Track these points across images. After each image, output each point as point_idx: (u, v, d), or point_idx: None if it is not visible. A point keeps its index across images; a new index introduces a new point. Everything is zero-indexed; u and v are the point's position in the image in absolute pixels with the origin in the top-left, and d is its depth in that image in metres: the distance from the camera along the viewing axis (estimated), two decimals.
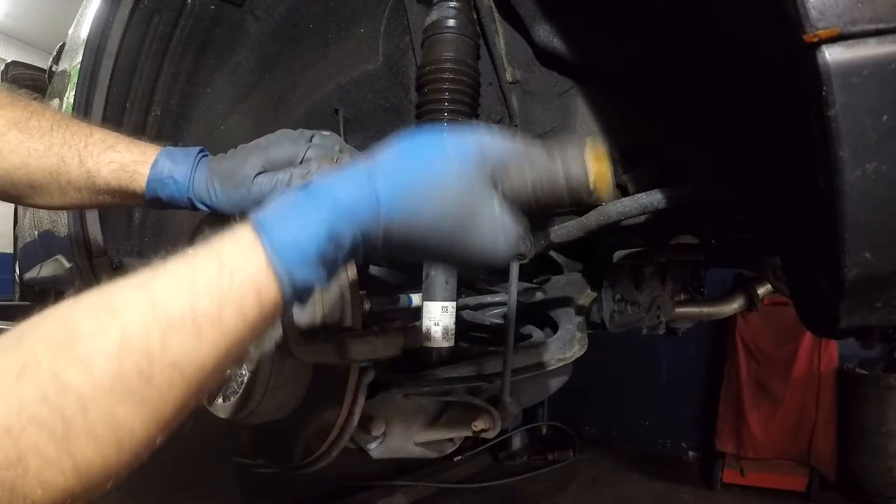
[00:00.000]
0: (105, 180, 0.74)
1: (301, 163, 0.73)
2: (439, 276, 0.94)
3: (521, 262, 0.55)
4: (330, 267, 0.49)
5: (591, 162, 0.47)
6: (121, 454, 0.41)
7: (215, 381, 0.47)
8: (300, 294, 0.48)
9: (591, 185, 0.47)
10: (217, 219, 0.78)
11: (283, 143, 0.74)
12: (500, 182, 0.51)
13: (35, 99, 0.86)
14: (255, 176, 0.71)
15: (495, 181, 0.51)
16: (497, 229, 0.51)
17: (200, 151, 0.75)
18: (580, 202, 0.48)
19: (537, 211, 0.52)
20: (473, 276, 0.53)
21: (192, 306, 0.43)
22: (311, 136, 0.77)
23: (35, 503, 0.38)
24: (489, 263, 0.53)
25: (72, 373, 0.40)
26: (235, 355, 0.47)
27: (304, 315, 0.79)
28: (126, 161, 0.74)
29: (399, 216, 0.49)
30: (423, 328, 0.94)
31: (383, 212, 0.48)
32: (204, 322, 0.43)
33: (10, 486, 0.37)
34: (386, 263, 0.55)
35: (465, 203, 0.50)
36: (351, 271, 0.78)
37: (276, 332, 0.75)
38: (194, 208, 0.75)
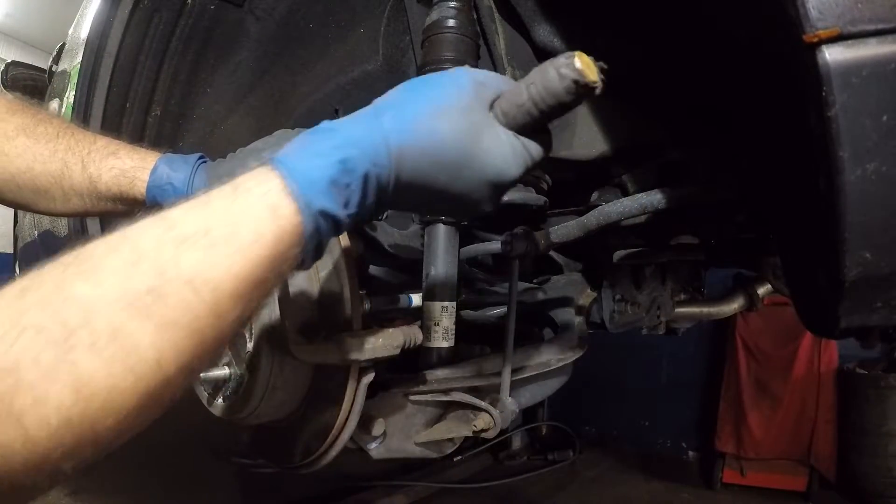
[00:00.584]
0: (106, 185, 0.75)
1: None
2: (439, 276, 0.94)
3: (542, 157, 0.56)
4: (346, 197, 0.48)
5: (574, 57, 0.49)
6: (127, 374, 0.38)
7: (234, 310, 0.43)
8: (319, 224, 0.47)
9: (578, 66, 0.48)
10: None
11: (280, 143, 0.74)
12: (498, 105, 0.53)
13: (36, 100, 0.87)
14: None
15: (494, 104, 0.53)
16: (503, 145, 0.52)
17: (199, 158, 0.76)
18: (573, 91, 0.49)
19: (537, 122, 0.53)
20: (487, 207, 0.53)
21: (206, 224, 0.43)
22: None
23: (27, 425, 0.34)
24: (499, 184, 0.54)
25: (77, 283, 0.38)
26: (254, 283, 0.44)
27: (304, 315, 0.79)
28: (126, 167, 0.75)
29: (407, 145, 0.50)
30: (423, 328, 0.94)
31: (392, 141, 0.49)
32: (218, 238, 0.42)
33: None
34: (396, 208, 0.55)
35: (468, 124, 0.51)
36: (351, 270, 0.78)
37: (277, 333, 0.75)
38: None
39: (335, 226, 0.49)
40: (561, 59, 0.50)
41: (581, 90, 0.50)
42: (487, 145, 0.51)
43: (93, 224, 1.24)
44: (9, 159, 0.73)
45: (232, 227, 0.43)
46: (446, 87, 0.52)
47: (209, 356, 0.44)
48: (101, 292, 0.38)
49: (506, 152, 0.53)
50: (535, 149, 0.55)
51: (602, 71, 0.50)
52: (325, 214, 0.47)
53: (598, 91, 0.50)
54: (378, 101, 0.54)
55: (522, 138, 0.54)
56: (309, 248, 0.48)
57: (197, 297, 0.41)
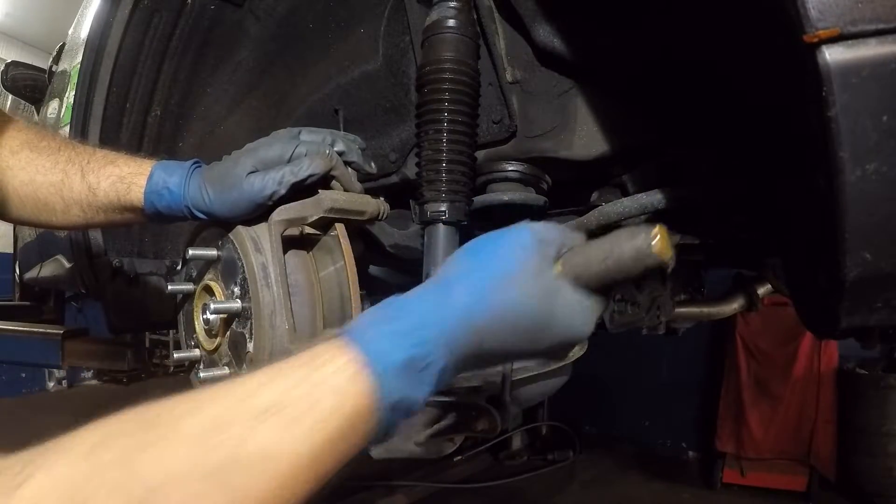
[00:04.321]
0: (104, 192, 0.76)
1: (291, 160, 0.73)
2: None
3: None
4: (421, 379, 0.48)
5: (654, 230, 0.49)
6: None
7: (307, 482, 0.44)
8: (395, 404, 0.47)
9: (656, 249, 0.48)
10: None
11: (273, 143, 0.75)
12: (564, 265, 0.53)
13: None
14: (247, 175, 0.71)
15: (561, 263, 0.53)
16: (575, 306, 0.52)
17: (194, 162, 0.76)
18: (645, 270, 0.50)
19: (603, 287, 0.53)
20: (559, 358, 0.56)
21: (283, 396, 0.43)
22: (299, 133, 0.77)
23: None
24: (573, 343, 0.54)
25: (149, 453, 0.38)
26: (328, 458, 0.44)
27: (304, 315, 0.79)
28: (124, 173, 0.76)
29: (483, 319, 0.49)
30: None
31: (467, 318, 0.49)
32: (295, 412, 0.42)
33: None
34: (478, 367, 0.58)
35: (541, 289, 0.51)
36: (351, 270, 0.78)
37: (277, 333, 0.75)
38: (193, 217, 0.75)
39: (411, 407, 0.49)
40: (640, 239, 0.49)
41: (653, 269, 0.50)
42: (561, 309, 0.52)
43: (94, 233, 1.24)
44: (13, 172, 0.75)
45: (308, 401, 0.43)
46: (512, 250, 0.52)
47: None
48: (175, 462, 0.39)
49: (577, 312, 0.53)
50: (603, 304, 0.56)
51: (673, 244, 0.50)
52: (402, 399, 0.47)
53: (670, 270, 0.50)
54: (443, 273, 0.53)
55: (591, 297, 0.54)
56: (381, 427, 0.48)
57: (270, 472, 0.41)
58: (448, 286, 0.51)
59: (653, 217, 0.91)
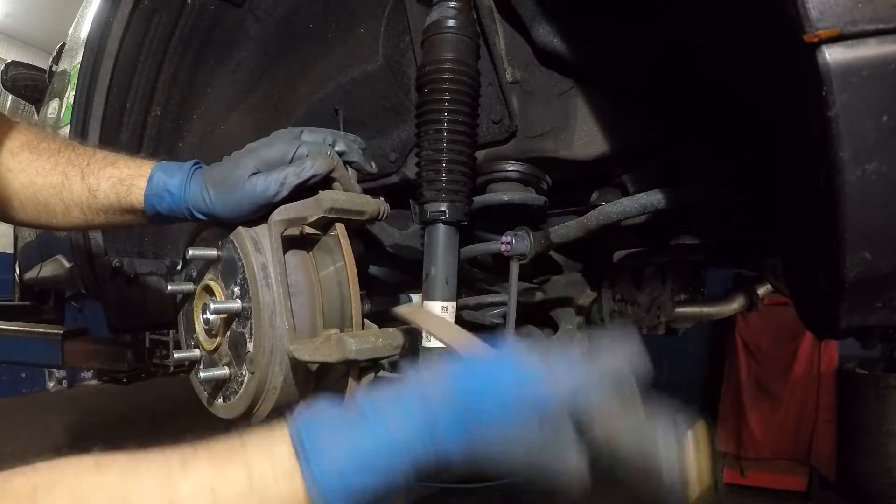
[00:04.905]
0: (104, 194, 0.75)
1: (293, 160, 0.73)
2: (439, 276, 0.94)
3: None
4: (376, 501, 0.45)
5: (691, 455, 0.42)
6: None
7: None
8: None
9: (687, 486, 0.42)
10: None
11: (274, 143, 0.74)
12: (584, 427, 0.47)
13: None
14: (249, 177, 0.71)
15: (578, 423, 0.47)
16: (565, 467, 0.48)
17: (195, 164, 0.76)
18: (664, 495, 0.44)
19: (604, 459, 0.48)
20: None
21: None
22: (300, 133, 0.77)
23: None
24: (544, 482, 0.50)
25: None
26: None
27: (304, 315, 0.79)
28: (124, 175, 0.76)
29: (459, 457, 0.47)
30: None
31: (452, 455, 0.46)
32: None
33: None
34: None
35: (534, 452, 0.47)
36: (351, 270, 0.78)
37: (277, 333, 0.75)
38: (194, 218, 0.75)
39: None
40: (674, 457, 0.42)
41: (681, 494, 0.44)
42: (548, 470, 0.47)
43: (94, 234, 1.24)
44: (13, 174, 0.75)
45: None
46: (514, 410, 0.46)
47: None
48: None
49: (565, 471, 0.48)
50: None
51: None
52: None
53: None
54: (426, 394, 0.48)
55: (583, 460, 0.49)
56: None
57: None
58: (432, 420, 0.46)
59: (653, 217, 0.91)
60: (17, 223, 0.82)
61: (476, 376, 0.49)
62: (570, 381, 0.48)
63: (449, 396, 0.48)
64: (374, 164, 0.87)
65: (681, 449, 0.42)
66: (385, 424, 0.45)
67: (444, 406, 0.47)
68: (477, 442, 0.46)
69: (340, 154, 0.79)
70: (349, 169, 0.81)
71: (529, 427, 0.46)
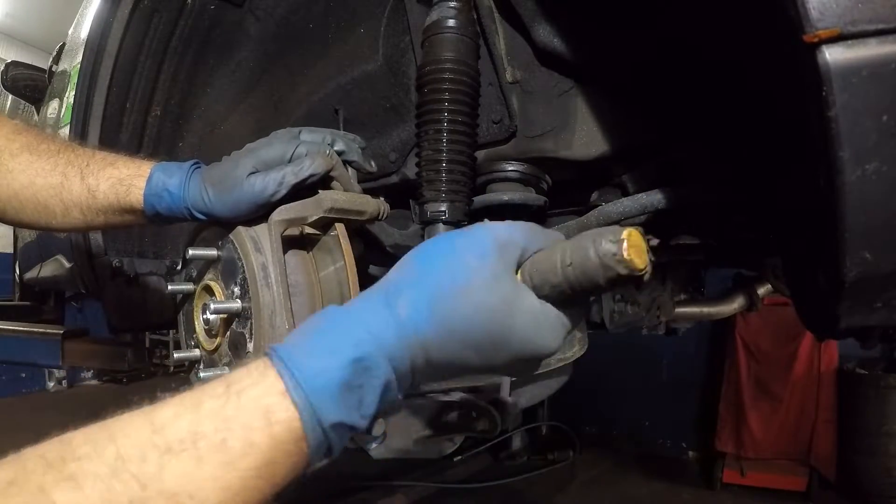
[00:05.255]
0: (104, 194, 0.75)
1: (291, 160, 0.73)
2: None
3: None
4: (359, 398, 0.44)
5: (623, 234, 0.42)
6: None
7: None
8: (329, 434, 0.43)
9: (625, 255, 0.42)
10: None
11: (273, 143, 0.74)
12: (528, 271, 0.47)
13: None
14: (248, 176, 0.71)
15: (523, 272, 0.48)
16: (538, 320, 0.47)
17: (194, 163, 0.76)
18: (615, 279, 0.43)
19: (573, 297, 0.47)
20: (526, 376, 0.49)
21: (194, 431, 0.40)
22: (299, 133, 0.77)
23: None
24: (538, 358, 0.49)
25: (58, 491, 0.37)
26: (245, 497, 0.41)
27: (304, 315, 0.79)
28: (123, 175, 0.76)
29: (430, 333, 0.45)
30: None
31: (411, 332, 0.45)
32: (205, 449, 0.40)
33: None
34: (426, 381, 0.53)
35: (497, 300, 0.45)
36: (351, 270, 0.78)
37: (277, 333, 0.75)
38: (193, 218, 0.75)
39: (350, 429, 0.45)
40: (606, 244, 0.43)
41: (625, 279, 0.43)
42: (522, 322, 0.46)
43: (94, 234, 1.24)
44: (13, 175, 0.75)
45: (221, 435, 0.40)
46: (467, 256, 0.47)
47: None
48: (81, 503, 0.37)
49: (541, 326, 0.47)
50: (573, 317, 0.50)
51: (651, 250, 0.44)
52: (337, 423, 0.43)
53: (646, 278, 0.44)
54: (390, 278, 0.48)
55: (560, 308, 0.48)
56: (318, 451, 0.44)
57: None
58: (391, 295, 0.47)
59: (652, 217, 0.91)
60: (17, 224, 0.82)
61: (425, 247, 0.50)
62: (518, 230, 0.49)
63: (403, 272, 0.49)
64: (373, 164, 0.87)
65: (611, 238, 0.43)
66: (350, 316, 0.46)
67: (398, 282, 0.47)
68: (440, 305, 0.45)
69: (339, 153, 0.79)
70: (349, 168, 0.81)
71: (483, 275, 0.45)
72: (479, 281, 0.45)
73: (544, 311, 0.47)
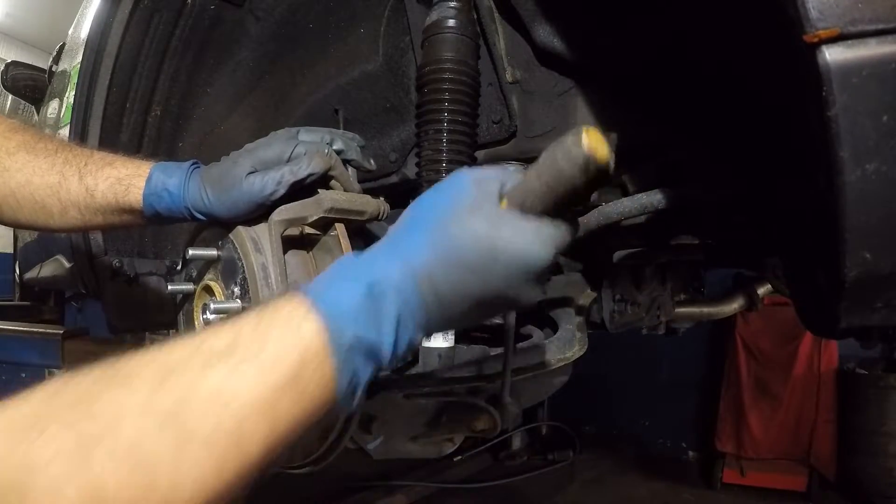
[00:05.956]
0: (102, 194, 0.75)
1: (290, 159, 0.73)
2: None
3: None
4: (378, 323, 0.47)
5: (582, 134, 0.46)
6: (143, 489, 0.38)
7: (256, 432, 0.43)
8: (353, 344, 0.46)
9: (587, 150, 0.45)
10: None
11: (272, 143, 0.74)
12: (508, 197, 0.51)
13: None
14: (247, 176, 0.71)
15: (505, 196, 0.51)
16: (525, 231, 0.49)
17: (193, 163, 0.76)
18: (585, 172, 0.46)
19: (556, 206, 0.50)
20: (530, 296, 0.52)
21: (233, 342, 0.44)
22: (298, 132, 0.77)
23: None
24: (532, 271, 0.50)
25: (108, 390, 0.40)
26: (278, 403, 0.43)
27: None
28: (122, 175, 0.75)
29: (427, 260, 0.49)
30: None
31: (412, 260, 0.49)
32: (243, 356, 0.43)
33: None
34: (445, 327, 0.61)
35: (480, 219, 0.49)
36: None
37: None
38: (193, 218, 0.75)
39: (372, 353, 0.47)
40: (567, 140, 0.46)
41: (593, 173, 0.46)
42: (508, 234, 0.48)
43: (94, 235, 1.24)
44: (10, 174, 0.75)
45: (258, 343, 0.44)
46: (446, 193, 0.52)
47: (231, 481, 0.42)
48: (129, 402, 0.40)
49: (529, 237, 0.49)
50: (560, 228, 0.51)
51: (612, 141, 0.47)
52: (358, 340, 0.46)
53: (610, 170, 0.46)
54: (391, 229, 0.54)
55: (544, 220, 0.50)
56: (343, 372, 0.46)
57: (220, 413, 0.41)
58: (394, 242, 0.52)
59: (653, 217, 0.91)
60: (14, 225, 0.81)
61: (417, 200, 0.55)
62: (492, 168, 0.54)
63: (402, 218, 0.54)
64: (372, 162, 0.87)
65: (571, 135, 0.46)
66: (362, 258, 0.51)
67: (400, 226, 0.53)
68: (436, 243, 0.49)
69: (339, 152, 0.79)
70: (348, 168, 0.81)
71: (468, 202, 0.49)
72: (462, 207, 0.49)
73: (532, 226, 0.49)
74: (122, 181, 0.75)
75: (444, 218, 0.49)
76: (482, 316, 0.56)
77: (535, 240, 0.49)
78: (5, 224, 0.81)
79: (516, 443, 4.07)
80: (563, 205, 0.50)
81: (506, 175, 0.53)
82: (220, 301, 0.77)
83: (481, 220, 0.48)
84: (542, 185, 0.48)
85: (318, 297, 0.47)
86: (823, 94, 0.43)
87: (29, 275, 2.27)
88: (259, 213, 0.74)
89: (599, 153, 0.45)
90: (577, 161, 0.45)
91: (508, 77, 0.98)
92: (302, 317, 0.45)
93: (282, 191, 0.71)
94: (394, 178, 1.17)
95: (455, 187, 0.52)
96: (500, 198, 0.51)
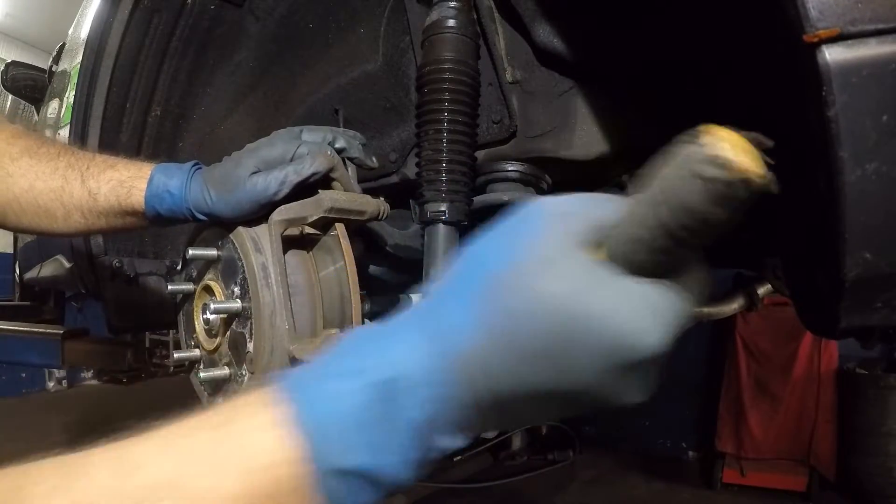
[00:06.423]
0: (105, 197, 0.75)
1: (293, 159, 0.73)
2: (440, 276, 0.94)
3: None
4: (392, 436, 0.35)
5: (719, 141, 0.29)
6: None
7: None
8: (348, 473, 0.34)
9: (738, 167, 0.28)
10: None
11: (274, 142, 0.74)
12: (608, 244, 0.34)
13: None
14: (250, 176, 0.71)
15: (601, 248, 0.34)
16: (629, 302, 0.33)
17: (194, 164, 0.76)
18: (732, 207, 0.30)
19: (678, 255, 0.34)
20: (629, 399, 0.37)
21: (176, 474, 0.33)
22: (300, 132, 0.77)
23: None
24: (637, 361, 0.33)
25: None
26: None
27: (304, 315, 0.79)
28: (124, 177, 0.75)
29: (481, 344, 0.34)
30: None
31: (455, 348, 0.35)
32: (190, 497, 0.33)
33: None
34: (487, 430, 0.40)
35: (562, 283, 0.33)
36: (351, 270, 0.78)
37: (277, 333, 0.75)
38: (195, 219, 0.75)
39: (377, 480, 0.35)
40: (695, 151, 0.29)
41: (742, 198, 0.29)
42: (603, 303, 0.32)
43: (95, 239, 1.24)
44: (13, 179, 0.75)
45: (207, 480, 0.33)
46: (508, 237, 0.36)
47: None
48: None
49: (638, 308, 0.33)
50: (681, 295, 0.35)
51: (764, 150, 0.30)
52: (355, 466, 0.34)
53: (772, 188, 0.30)
54: (428, 293, 0.40)
55: (659, 284, 0.34)
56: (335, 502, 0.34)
57: None
58: (428, 307, 0.37)
59: None
60: (17, 230, 0.81)
61: (465, 251, 0.39)
62: (580, 201, 0.37)
63: (443, 280, 0.38)
64: (374, 159, 0.87)
65: (698, 142, 0.29)
66: (376, 336, 0.37)
67: (437, 291, 0.38)
68: (492, 315, 0.34)
69: (340, 151, 0.79)
70: (349, 168, 0.81)
71: (547, 256, 0.33)
72: (532, 262, 0.34)
73: (636, 290, 0.33)
74: (124, 183, 0.75)
75: (502, 277, 0.34)
76: (561, 414, 0.39)
77: (647, 313, 0.33)
78: (9, 229, 0.81)
79: (516, 443, 4.06)
80: (689, 250, 0.33)
81: (600, 208, 0.36)
82: (220, 301, 0.77)
83: (560, 281, 0.33)
84: (659, 227, 0.31)
85: (304, 402, 0.35)
86: (823, 94, 0.43)
87: (29, 275, 2.27)
88: (262, 213, 0.74)
89: (750, 166, 0.28)
90: (718, 184, 0.29)
91: (508, 77, 0.98)
92: (277, 435, 0.34)
93: (285, 190, 0.71)
94: (394, 178, 1.17)
95: (521, 228, 0.36)
96: (593, 244, 0.34)
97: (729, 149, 0.29)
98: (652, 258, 0.33)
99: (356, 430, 0.34)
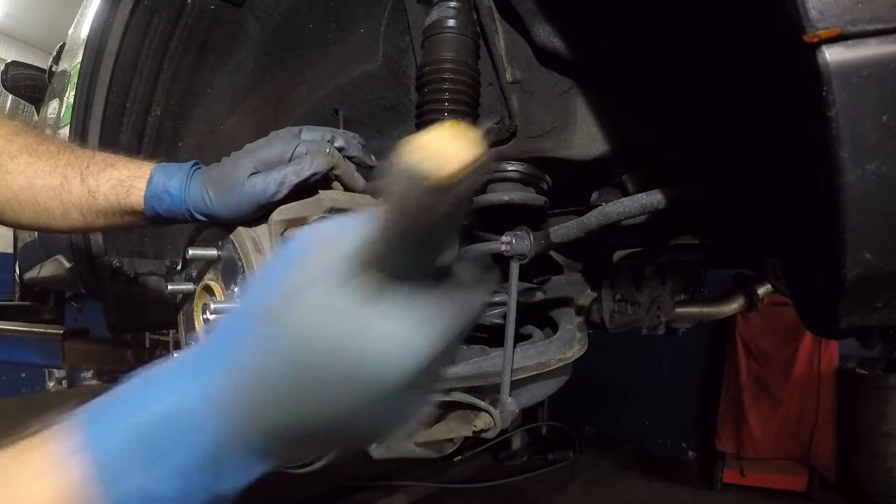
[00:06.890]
0: (104, 196, 0.75)
1: (292, 159, 0.73)
2: None
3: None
4: (160, 477, 0.34)
5: (423, 138, 0.31)
6: None
7: None
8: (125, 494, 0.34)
9: (440, 160, 0.30)
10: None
11: (273, 143, 0.74)
12: (371, 259, 0.33)
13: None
14: (249, 176, 0.71)
15: (367, 262, 0.33)
16: (376, 333, 0.32)
17: (194, 164, 0.76)
18: (450, 187, 0.31)
19: (436, 243, 0.34)
20: (392, 425, 0.37)
21: None
22: (299, 132, 0.77)
23: None
24: (399, 381, 0.32)
25: None
26: None
27: None
28: (123, 176, 0.75)
29: (256, 374, 0.34)
30: None
31: (229, 383, 0.35)
32: None
33: None
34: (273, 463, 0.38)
35: (311, 312, 0.32)
36: None
37: None
38: (194, 219, 0.75)
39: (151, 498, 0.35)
40: (406, 154, 0.30)
41: (456, 178, 0.31)
42: (340, 340, 0.32)
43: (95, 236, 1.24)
44: (12, 177, 0.75)
45: None
46: (278, 268, 0.36)
47: None
48: None
49: (377, 340, 0.32)
50: (445, 300, 0.33)
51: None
52: (141, 492, 0.34)
53: (480, 167, 0.32)
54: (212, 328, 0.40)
55: (420, 296, 0.33)
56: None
57: None
58: (204, 346, 0.38)
59: (653, 217, 0.91)
60: (16, 226, 0.81)
61: (254, 277, 0.39)
62: (351, 222, 0.35)
63: (226, 317, 0.39)
64: (373, 158, 0.87)
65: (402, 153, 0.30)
66: (158, 374, 0.38)
67: (219, 327, 0.38)
68: (264, 348, 0.33)
69: (340, 150, 0.79)
70: (351, 165, 0.81)
71: (302, 285, 0.33)
72: (294, 290, 0.33)
73: (388, 309, 0.32)
74: (124, 183, 0.75)
75: (268, 308, 0.34)
76: (336, 445, 0.39)
77: (394, 337, 0.32)
78: (8, 226, 0.81)
79: (516, 443, 4.07)
80: (444, 239, 0.34)
81: (361, 228, 0.34)
82: (220, 301, 0.77)
83: (307, 310, 0.32)
84: (404, 230, 0.32)
85: (91, 434, 0.35)
86: (823, 94, 0.43)
87: (29, 275, 2.28)
88: (261, 213, 0.74)
89: (450, 157, 0.30)
90: (429, 179, 0.30)
91: (508, 77, 0.98)
92: (61, 461, 0.34)
93: (284, 192, 0.71)
94: None
95: (290, 257, 0.35)
96: (363, 264, 0.33)
97: (429, 144, 0.30)
98: (415, 260, 0.33)
99: (130, 462, 0.34)
